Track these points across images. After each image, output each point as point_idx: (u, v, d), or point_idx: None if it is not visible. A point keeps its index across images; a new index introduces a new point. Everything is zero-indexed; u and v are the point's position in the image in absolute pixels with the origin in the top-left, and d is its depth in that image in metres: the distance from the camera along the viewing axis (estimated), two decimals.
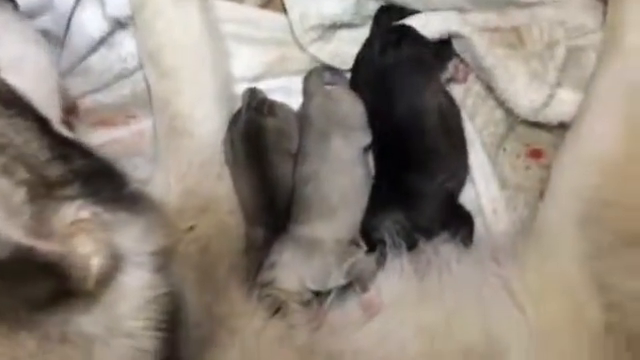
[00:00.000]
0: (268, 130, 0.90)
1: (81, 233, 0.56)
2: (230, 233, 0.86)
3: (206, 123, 0.90)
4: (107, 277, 0.57)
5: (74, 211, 0.57)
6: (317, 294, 0.84)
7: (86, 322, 0.56)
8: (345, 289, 0.85)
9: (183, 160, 0.88)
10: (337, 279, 0.83)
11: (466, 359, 0.78)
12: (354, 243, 0.87)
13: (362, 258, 0.84)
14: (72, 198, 0.58)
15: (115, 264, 0.58)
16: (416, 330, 0.79)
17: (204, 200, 0.86)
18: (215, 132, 0.90)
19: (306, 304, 0.82)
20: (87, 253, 0.55)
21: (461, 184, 0.91)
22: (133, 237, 0.63)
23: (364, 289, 0.82)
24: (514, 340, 0.77)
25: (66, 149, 0.62)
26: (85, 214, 0.58)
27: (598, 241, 0.77)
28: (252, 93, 0.92)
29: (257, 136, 0.89)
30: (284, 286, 0.82)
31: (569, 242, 0.80)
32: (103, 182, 0.63)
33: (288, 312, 0.81)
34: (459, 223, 0.89)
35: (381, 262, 0.85)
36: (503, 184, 0.95)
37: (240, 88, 0.95)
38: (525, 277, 0.81)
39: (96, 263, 0.55)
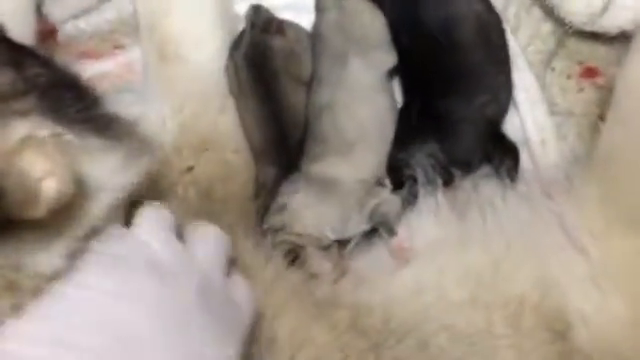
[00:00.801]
0: (276, 52, 0.77)
1: (31, 151, 0.45)
2: (235, 175, 0.75)
3: (202, 47, 0.77)
4: (69, 207, 0.46)
5: (27, 128, 0.46)
6: (338, 242, 0.73)
7: (42, 262, 0.46)
8: (370, 235, 0.73)
9: (178, 91, 0.76)
10: (358, 224, 0.72)
11: (518, 307, 0.68)
12: (379, 183, 0.75)
13: (386, 198, 0.72)
14: (26, 113, 0.48)
15: (81, 193, 0.48)
16: (457, 277, 0.69)
17: (204, 137, 0.75)
18: (213, 58, 0.78)
19: (326, 251, 0.71)
20: (38, 174, 0.44)
21: (503, 109, 0.78)
22: (108, 168, 0.52)
23: (391, 233, 0.71)
24: (572, 284, 0.67)
25: (20, 56, 0.52)
26: (42, 132, 0.47)
27: None
28: (256, 11, 0.78)
29: (263, 59, 0.77)
30: (298, 230, 0.71)
31: None
32: (67, 98, 0.52)
33: (305, 260, 0.70)
34: (502, 155, 0.76)
35: (411, 202, 0.74)
36: (552, 109, 0.82)
37: (243, 7, 0.82)
38: (585, 212, 0.70)
39: (50, 186, 0.44)
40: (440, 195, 0.73)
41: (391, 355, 0.64)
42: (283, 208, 0.72)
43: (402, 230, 0.71)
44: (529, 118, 0.81)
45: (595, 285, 0.67)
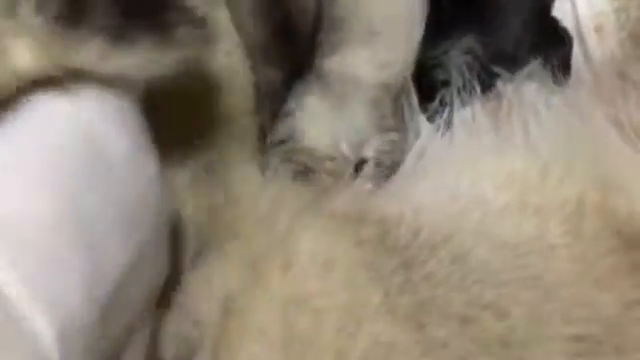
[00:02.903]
0: None
1: None
2: (230, 81, 0.62)
3: None
4: None
5: None
6: None
7: None
8: None
9: None
10: (370, 150, 0.61)
11: (577, 209, 0.57)
12: (405, 92, 0.63)
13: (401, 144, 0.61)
14: None
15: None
16: (499, 182, 0.59)
17: None
18: None
19: (339, 174, 0.60)
20: None
21: None
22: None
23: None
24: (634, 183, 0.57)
25: None
26: None
27: None
28: None
29: None
30: (308, 143, 0.59)
31: None
32: None
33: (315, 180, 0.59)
34: (554, 46, 0.64)
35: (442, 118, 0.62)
36: None
37: None
38: None
39: None
40: (477, 105, 0.62)
41: (422, 273, 0.55)
42: (292, 113, 0.61)
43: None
44: (583, 1, 0.68)
45: None
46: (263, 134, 0.61)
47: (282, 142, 0.60)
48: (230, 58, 0.62)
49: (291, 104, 0.61)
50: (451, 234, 0.56)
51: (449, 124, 0.61)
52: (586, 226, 0.56)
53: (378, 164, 0.60)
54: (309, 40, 0.63)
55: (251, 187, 0.58)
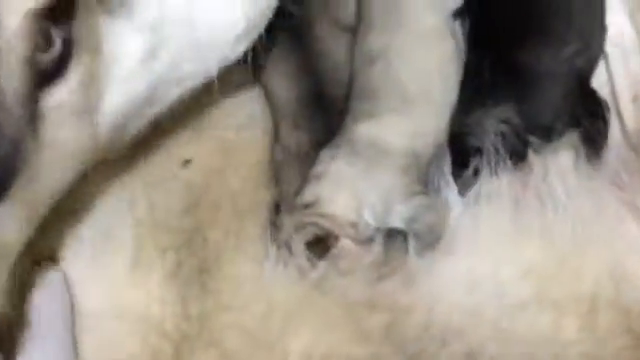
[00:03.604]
0: None
1: None
2: (237, 166, 0.63)
3: None
4: None
5: None
6: None
7: None
8: None
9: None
10: (400, 219, 0.59)
11: (591, 305, 0.58)
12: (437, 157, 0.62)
13: (435, 205, 0.60)
14: None
15: None
16: (518, 272, 0.59)
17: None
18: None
19: (361, 243, 0.58)
20: None
21: (595, 59, 0.64)
22: None
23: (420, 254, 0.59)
24: None
25: None
26: None
27: None
28: None
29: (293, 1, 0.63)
30: (333, 209, 0.58)
31: None
32: None
33: (336, 253, 0.58)
34: (592, 117, 0.63)
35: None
36: None
37: None
38: None
39: None
40: (504, 177, 0.61)
41: None
42: (321, 177, 0.59)
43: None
44: (620, 70, 0.66)
45: None
46: (277, 208, 0.61)
47: (306, 206, 0.58)
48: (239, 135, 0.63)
49: (319, 168, 0.59)
50: (465, 329, 0.56)
51: (477, 199, 0.60)
52: (600, 322, 0.56)
53: (415, 234, 0.59)
54: (339, 105, 0.63)
55: (245, 291, 0.58)
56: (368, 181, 0.59)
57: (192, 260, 0.60)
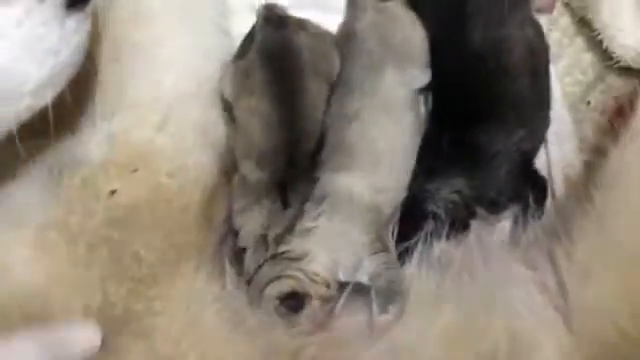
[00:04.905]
0: (300, 47, 0.67)
1: None
2: (168, 201, 0.63)
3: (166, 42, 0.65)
4: None
5: None
6: None
7: None
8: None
9: (117, 95, 0.64)
10: (364, 273, 0.64)
11: None
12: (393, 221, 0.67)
13: (394, 264, 0.65)
14: None
15: None
16: (433, 338, 0.64)
17: (135, 154, 0.64)
18: (174, 59, 0.65)
19: (327, 302, 0.62)
20: None
21: (539, 144, 0.71)
22: None
23: (383, 309, 0.63)
24: (547, 338, 0.63)
25: None
26: None
27: None
28: (270, 8, 0.68)
29: (286, 55, 0.67)
30: (315, 269, 0.62)
31: None
32: None
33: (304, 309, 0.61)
34: (532, 192, 0.70)
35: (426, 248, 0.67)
36: (582, 146, 0.76)
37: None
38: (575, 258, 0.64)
39: None
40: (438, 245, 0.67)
41: None
42: (308, 232, 0.63)
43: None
44: (556, 155, 0.75)
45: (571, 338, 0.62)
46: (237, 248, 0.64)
47: (291, 259, 0.62)
48: (173, 179, 0.63)
49: (307, 223, 0.63)
50: None
51: (419, 262, 0.66)
52: None
53: (377, 289, 0.63)
54: (306, 157, 0.66)
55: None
56: (344, 237, 0.64)
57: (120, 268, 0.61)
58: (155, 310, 0.61)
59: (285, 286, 0.61)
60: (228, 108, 0.67)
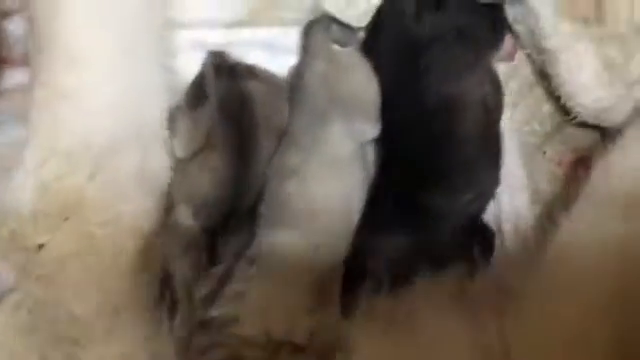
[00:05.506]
0: (253, 98, 0.65)
1: None
2: (99, 252, 0.62)
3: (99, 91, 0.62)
4: None
5: None
6: None
7: None
8: None
9: (48, 141, 0.62)
10: (300, 334, 0.62)
11: None
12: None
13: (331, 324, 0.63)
14: None
15: None
16: None
17: (66, 203, 0.62)
18: (110, 106, 0.63)
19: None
20: None
21: (486, 204, 0.69)
22: None
23: None
24: None
25: None
26: None
27: None
28: (218, 56, 0.65)
29: (241, 108, 0.65)
30: (248, 333, 0.60)
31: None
32: None
33: None
34: (479, 247, 0.68)
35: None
36: (535, 197, 0.74)
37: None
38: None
39: None
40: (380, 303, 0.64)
41: None
42: (238, 297, 0.61)
43: None
44: (507, 207, 0.73)
45: None
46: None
47: (222, 325, 0.60)
48: (104, 229, 0.62)
49: (237, 286, 0.62)
50: None
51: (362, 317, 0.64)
52: None
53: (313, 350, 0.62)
54: (247, 210, 0.65)
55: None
56: (278, 299, 0.62)
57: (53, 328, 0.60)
58: None
59: (221, 354, 0.60)
60: (175, 158, 0.65)
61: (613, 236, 0.61)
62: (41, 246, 0.60)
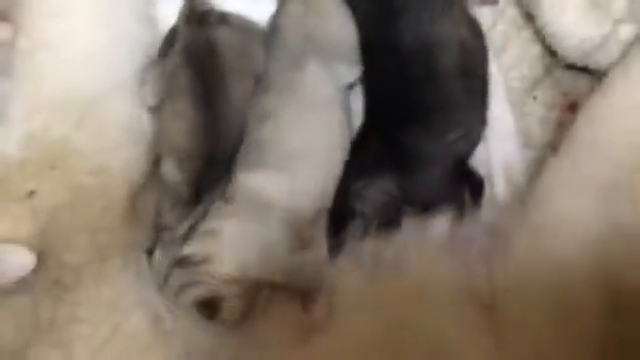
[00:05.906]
0: (223, 44, 0.65)
1: None
2: (90, 202, 0.62)
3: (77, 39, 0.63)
4: None
5: None
6: None
7: None
8: None
9: (33, 91, 0.63)
10: (278, 272, 0.62)
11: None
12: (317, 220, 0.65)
13: (317, 259, 0.63)
14: None
15: None
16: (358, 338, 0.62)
17: (51, 153, 0.62)
18: (91, 55, 0.63)
19: (246, 300, 0.61)
20: None
21: (474, 145, 0.68)
22: None
23: (307, 309, 0.61)
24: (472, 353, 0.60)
25: None
26: None
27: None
28: (191, 2, 0.66)
29: (209, 55, 0.65)
30: (222, 270, 0.60)
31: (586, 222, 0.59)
32: None
33: (220, 311, 0.60)
34: (468, 191, 0.68)
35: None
36: (527, 142, 0.73)
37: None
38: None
39: None
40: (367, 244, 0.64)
41: None
42: (211, 234, 0.62)
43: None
44: (497, 153, 0.72)
45: None
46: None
47: (196, 263, 0.61)
48: (94, 178, 0.63)
49: (211, 224, 0.62)
50: None
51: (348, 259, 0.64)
52: None
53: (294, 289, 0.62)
54: (227, 159, 0.65)
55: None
56: (253, 237, 0.62)
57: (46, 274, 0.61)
58: (79, 317, 0.61)
59: (197, 292, 0.60)
60: (151, 109, 0.66)
61: (596, 179, 0.60)
62: (31, 193, 0.61)
